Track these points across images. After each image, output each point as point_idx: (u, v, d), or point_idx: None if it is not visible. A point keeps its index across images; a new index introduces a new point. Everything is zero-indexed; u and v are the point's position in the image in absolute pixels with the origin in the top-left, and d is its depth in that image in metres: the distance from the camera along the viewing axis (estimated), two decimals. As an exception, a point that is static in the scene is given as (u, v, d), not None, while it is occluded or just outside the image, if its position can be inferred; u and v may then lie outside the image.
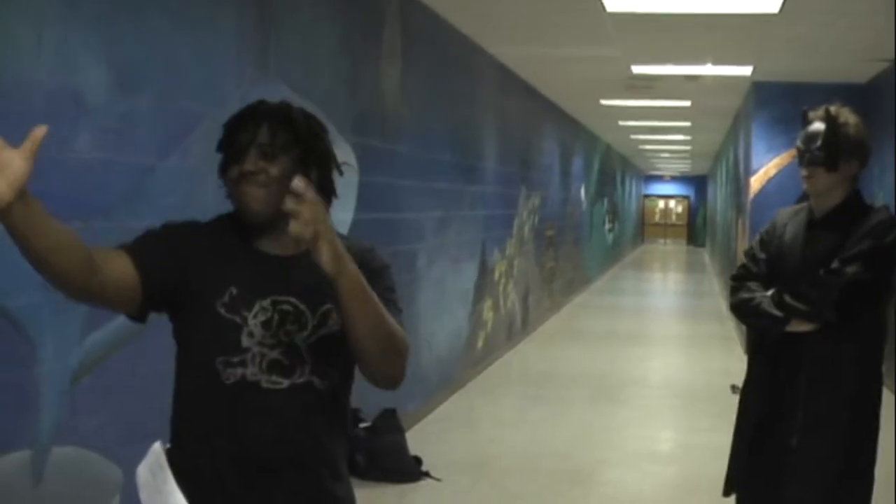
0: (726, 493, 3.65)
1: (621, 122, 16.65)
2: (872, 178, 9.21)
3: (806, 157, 3.43)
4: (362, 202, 5.89)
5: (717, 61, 9.49)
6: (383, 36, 6.40)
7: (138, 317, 2.06)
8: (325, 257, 1.84)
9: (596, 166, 20.01)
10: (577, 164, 16.86)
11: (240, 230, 2.08)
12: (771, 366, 3.46)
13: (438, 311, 7.87)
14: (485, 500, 5.70)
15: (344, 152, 5.49)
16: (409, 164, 6.96)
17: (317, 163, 2.05)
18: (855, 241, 3.33)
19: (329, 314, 2.03)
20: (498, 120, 10.15)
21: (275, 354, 2.02)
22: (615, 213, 24.69)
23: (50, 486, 3.20)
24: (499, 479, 6.06)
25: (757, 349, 3.58)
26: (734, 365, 9.07)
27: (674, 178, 39.83)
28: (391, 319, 1.98)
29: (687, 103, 13.32)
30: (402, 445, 6.01)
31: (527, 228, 12.00)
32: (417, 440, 6.33)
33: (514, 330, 11.31)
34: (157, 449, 2.05)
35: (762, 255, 3.54)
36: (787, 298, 3.35)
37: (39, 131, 1.72)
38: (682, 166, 33.07)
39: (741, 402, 3.59)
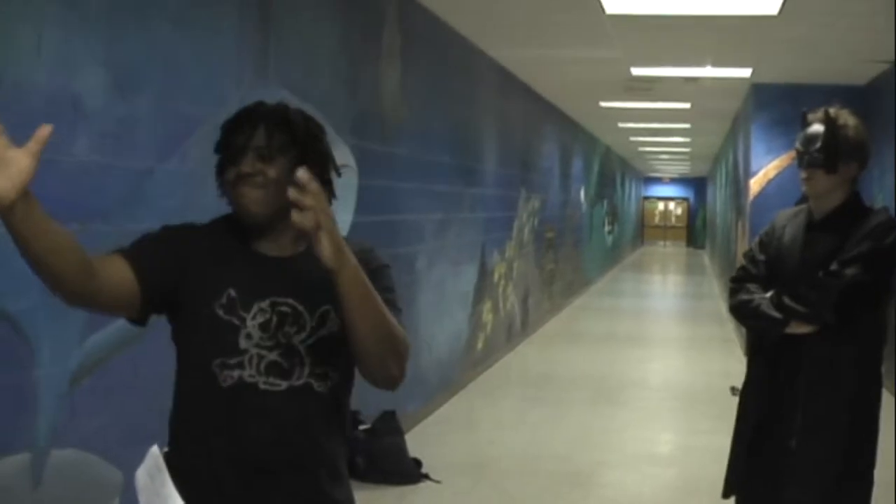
0: (725, 495, 3.65)
1: (621, 124, 16.65)
2: (872, 179, 9.21)
3: (805, 159, 3.42)
4: (361, 204, 5.89)
5: (717, 63, 9.49)
6: (383, 37, 6.41)
7: (138, 320, 2.06)
8: (326, 250, 1.83)
9: (595, 168, 20.01)
10: (576, 166, 16.86)
11: (238, 232, 2.08)
12: (770, 368, 3.46)
13: (438, 314, 7.87)
14: (484, 502, 5.70)
15: (343, 154, 5.49)
16: (408, 167, 6.96)
17: (315, 164, 2.05)
18: (854, 243, 3.32)
19: (328, 315, 2.03)
20: (497, 122, 10.15)
21: (273, 356, 2.01)
22: (615, 215, 24.69)
23: (49, 489, 3.20)
24: (498, 480, 6.06)
25: (756, 351, 3.58)
26: (734, 367, 9.08)
27: (673, 180, 39.82)
28: (392, 318, 1.98)
29: (686, 105, 13.33)
30: (402, 447, 6.01)
31: (526, 230, 12.00)
32: (417, 442, 6.33)
33: (514, 332, 11.31)
34: (156, 452, 2.05)
35: (761, 257, 3.54)
36: (787, 300, 3.35)
37: (44, 130, 1.72)
38: (682, 168, 33.08)
39: (740, 404, 3.59)
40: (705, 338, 12.87)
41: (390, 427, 6.00)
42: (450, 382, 8.28)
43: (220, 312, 2.01)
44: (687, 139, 19.99)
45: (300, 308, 2.03)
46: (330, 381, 2.06)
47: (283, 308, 2.03)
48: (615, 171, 24.74)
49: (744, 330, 5.02)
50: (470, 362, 9.07)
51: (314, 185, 1.81)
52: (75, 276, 1.85)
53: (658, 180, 39.60)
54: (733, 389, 7.19)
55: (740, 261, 3.70)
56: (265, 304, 2.02)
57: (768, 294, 3.42)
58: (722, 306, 15.01)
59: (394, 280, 2.13)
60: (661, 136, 19.39)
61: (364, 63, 6.08)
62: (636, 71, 10.11)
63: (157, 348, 2.43)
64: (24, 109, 3.01)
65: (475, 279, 9.25)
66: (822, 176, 3.39)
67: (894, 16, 6.54)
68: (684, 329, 14.11)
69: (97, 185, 3.40)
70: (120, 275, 1.96)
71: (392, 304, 2.03)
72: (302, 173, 1.80)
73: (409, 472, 5.91)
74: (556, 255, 14.55)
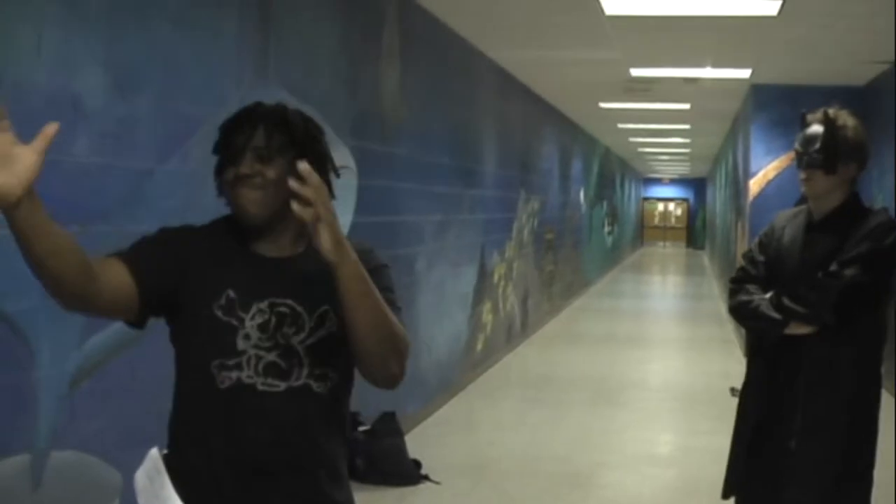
0: (725, 496, 3.64)
1: (620, 125, 16.65)
2: (871, 180, 9.21)
3: (804, 160, 3.42)
4: (361, 205, 5.89)
5: (716, 64, 9.49)
6: (383, 37, 6.41)
7: (137, 323, 2.05)
8: (326, 242, 1.83)
9: (595, 169, 20.01)
10: (576, 167, 16.86)
11: (237, 233, 2.07)
12: (770, 368, 3.46)
13: (438, 315, 7.87)
14: (484, 503, 5.70)
15: (342, 155, 5.49)
16: (408, 167, 6.96)
17: (313, 165, 2.05)
18: (853, 244, 3.32)
19: (327, 315, 2.03)
20: (497, 123, 10.15)
21: (272, 357, 2.01)
22: (614, 216, 24.69)
23: (49, 491, 3.20)
24: (498, 482, 6.06)
25: (756, 352, 3.57)
26: (733, 368, 9.08)
27: (673, 181, 39.83)
28: (392, 316, 1.98)
29: (686, 106, 13.33)
30: (402, 448, 6.01)
31: (526, 232, 12.00)
32: (417, 443, 6.33)
33: (514, 333, 11.31)
34: (155, 454, 2.05)
35: (761, 258, 3.54)
36: (786, 301, 3.35)
37: (51, 128, 1.72)
38: (682, 169, 33.08)
39: (740, 405, 3.59)
40: (705, 339, 12.87)
41: (390, 428, 6.00)
42: (449, 384, 8.28)
43: (219, 313, 2.01)
44: (686, 140, 19.99)
45: (299, 309, 2.03)
46: (329, 382, 2.06)
47: (282, 309, 2.02)
48: (615, 172, 24.74)
49: (743, 331, 5.02)
50: (470, 363, 9.07)
51: (315, 178, 1.81)
52: (76, 278, 1.84)
53: (658, 181, 39.60)
54: (733, 390, 7.19)
55: (740, 262, 3.70)
56: (264, 304, 2.02)
57: (768, 295, 3.42)
58: (721, 307, 15.01)
59: (393, 280, 2.13)
60: (660, 137, 19.39)
61: (364, 63, 6.08)
62: (635, 72, 10.11)
63: (155, 351, 2.43)
64: (24, 109, 3.00)
65: (475, 280, 9.25)
66: (821, 177, 3.39)
67: (894, 16, 6.54)
68: (684, 330, 14.11)
69: (97, 186, 3.40)
70: (118, 278, 1.95)
71: (392, 303, 2.03)
72: (303, 166, 1.81)
73: (409, 474, 5.91)
74: (556, 257, 14.55)
